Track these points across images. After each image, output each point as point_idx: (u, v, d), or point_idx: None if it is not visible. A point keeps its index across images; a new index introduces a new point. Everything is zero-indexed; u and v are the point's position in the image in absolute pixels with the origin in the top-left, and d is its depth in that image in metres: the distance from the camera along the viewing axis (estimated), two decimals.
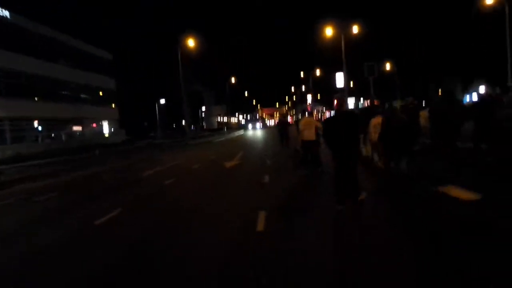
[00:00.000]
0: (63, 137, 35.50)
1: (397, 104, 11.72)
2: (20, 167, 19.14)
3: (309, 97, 65.26)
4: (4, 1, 28.20)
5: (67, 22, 43.20)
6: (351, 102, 42.77)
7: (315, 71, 55.04)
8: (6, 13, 28.25)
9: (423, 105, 23.80)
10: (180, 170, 14.64)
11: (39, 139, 32.19)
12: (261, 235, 5.36)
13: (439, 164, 8.86)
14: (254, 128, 71.34)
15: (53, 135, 34.38)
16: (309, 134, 10.46)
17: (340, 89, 35.58)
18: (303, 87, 72.50)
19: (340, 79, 35.78)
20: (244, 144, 28.74)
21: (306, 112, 14.45)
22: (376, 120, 9.04)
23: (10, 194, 12.08)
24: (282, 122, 21.89)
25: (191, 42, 34.69)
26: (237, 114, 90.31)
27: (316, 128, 10.46)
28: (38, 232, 6.91)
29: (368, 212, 6.24)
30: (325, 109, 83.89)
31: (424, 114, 10.70)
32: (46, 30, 33.31)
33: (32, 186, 13.65)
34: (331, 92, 54.08)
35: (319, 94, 75.85)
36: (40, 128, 32.72)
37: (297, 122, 21.71)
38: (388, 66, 44.48)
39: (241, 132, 60.77)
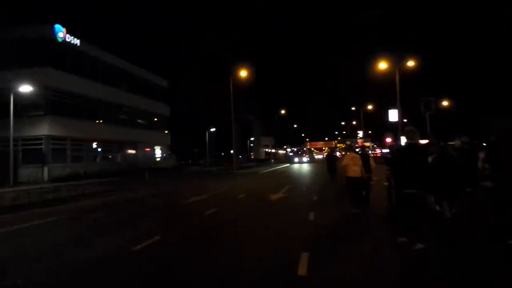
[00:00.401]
0: (119, 159, 37.01)
1: (455, 143, 10.80)
2: (76, 185, 19.95)
3: (360, 133, 63.62)
4: (75, 30, 30.64)
5: (128, 49, 46.21)
6: (403, 140, 41.05)
7: (366, 106, 53.83)
8: (76, 41, 30.65)
9: (482, 146, 22.00)
10: (224, 199, 14.43)
11: (98, 159, 33.77)
12: (303, 281, 4.83)
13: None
14: (300, 161, 66.50)
15: (110, 156, 35.95)
16: (355, 170, 10.02)
17: (393, 123, 34.23)
18: (354, 122, 71.10)
19: (393, 115, 34.46)
20: (291, 177, 28.17)
21: (351, 148, 13.67)
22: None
23: (63, 210, 12.47)
24: (330, 157, 21.53)
25: (243, 73, 35.41)
26: (284, 146, 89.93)
27: (362, 165, 10.14)
28: (75, 251, 6.85)
29: (429, 264, 5.50)
30: (376, 146, 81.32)
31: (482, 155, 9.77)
32: (110, 57, 35.65)
33: (83, 204, 14.07)
34: (383, 127, 52.40)
35: (369, 131, 73.92)
36: (99, 149, 34.40)
37: (331, 157, 21.48)
38: (445, 103, 42.42)
39: (286, 164, 58.36)
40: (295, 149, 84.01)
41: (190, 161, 50.88)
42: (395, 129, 42.66)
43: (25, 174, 26.45)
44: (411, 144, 6.11)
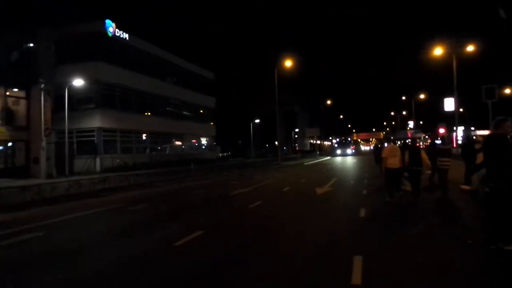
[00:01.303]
0: (167, 151, 37.81)
1: None
2: (125, 175, 20.43)
3: (410, 123, 60.56)
4: (123, 25, 31.31)
5: (175, 42, 46.68)
6: (460, 131, 38.13)
7: (418, 95, 50.97)
8: (125, 35, 31.39)
9: None
10: (268, 192, 14.01)
11: (147, 151, 34.66)
12: None
13: None
14: (344, 153, 58.11)
15: (159, 148, 36.79)
16: (394, 162, 10.45)
17: (451, 113, 32.08)
18: (404, 112, 67.79)
19: (449, 104, 32.19)
20: (337, 169, 27.18)
21: (390, 140, 13.43)
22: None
23: (108, 201, 12.65)
24: (378, 148, 20.46)
25: (288, 63, 34.62)
26: (330, 137, 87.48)
27: (401, 156, 10.52)
28: (117, 245, 6.71)
29: None
30: (428, 137, 77.39)
31: None
32: (157, 50, 36.22)
33: (129, 195, 14.25)
34: (435, 118, 49.42)
35: (421, 121, 70.26)
36: (147, 141, 35.29)
37: (379, 148, 20.12)
38: (507, 91, 39.04)
39: (328, 157, 53.07)
40: (339, 139, 75.05)
41: (234, 153, 51.06)
42: (450, 119, 39.95)
43: (79, 165, 27.58)
44: (501, 135, 5.24)
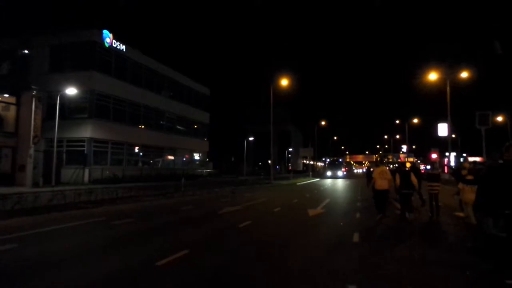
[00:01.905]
0: (160, 164, 37.32)
1: None
2: (113, 188, 19.88)
3: (404, 147, 60.73)
4: (120, 36, 31.29)
5: (172, 56, 46.75)
6: (452, 155, 38.11)
7: (412, 119, 51.27)
8: (122, 47, 31.27)
9: None
10: (259, 211, 13.59)
11: (139, 164, 34.10)
12: None
13: None
14: (335, 175, 51.44)
15: (151, 161, 36.25)
16: (382, 184, 10.96)
17: (444, 138, 32.08)
18: (397, 135, 68.12)
19: (443, 129, 32.25)
20: (331, 190, 26.82)
21: (381, 162, 13.68)
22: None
23: (92, 214, 12.13)
24: (370, 171, 20.19)
25: (284, 82, 34.68)
26: (323, 158, 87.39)
27: (390, 179, 11.05)
28: (93, 262, 6.23)
29: None
30: (419, 161, 77.61)
31: None
32: (153, 63, 36.14)
33: (115, 208, 13.74)
34: (428, 143, 49.63)
35: (413, 145, 70.56)
36: (140, 153, 34.77)
37: (370, 172, 19.87)
38: (499, 118, 39.34)
39: (317, 179, 47.50)
40: (330, 160, 65.89)
41: (227, 169, 50.55)
42: (443, 144, 40.02)
43: (67, 175, 26.99)
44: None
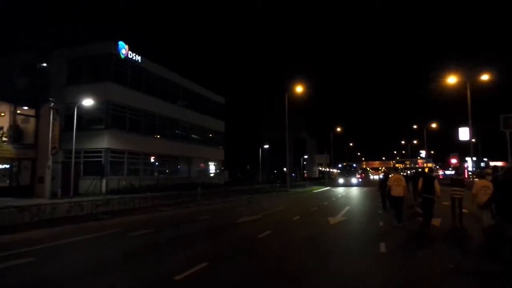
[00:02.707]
0: (178, 174, 37.34)
1: None
2: (129, 198, 19.81)
3: (422, 152, 59.48)
4: (136, 47, 31.53)
5: (186, 65, 47.09)
6: (470, 161, 37.01)
7: (430, 124, 50.21)
8: (138, 58, 31.53)
9: None
10: (278, 220, 13.23)
11: (155, 174, 34.14)
12: None
13: None
14: (348, 182, 45.85)
15: (167, 171, 36.28)
16: (398, 191, 11.40)
17: (464, 142, 31.22)
18: (415, 141, 66.81)
19: (464, 133, 31.35)
20: (349, 197, 26.22)
21: (396, 170, 13.57)
22: (481, 183, 8.58)
23: (109, 225, 11.99)
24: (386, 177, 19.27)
25: (299, 89, 34.41)
26: (339, 165, 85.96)
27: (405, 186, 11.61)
28: (109, 275, 6.00)
29: None
30: (438, 167, 76.03)
31: None
32: (168, 73, 36.27)
33: (131, 219, 13.59)
34: (446, 148, 48.47)
35: (432, 151, 69.04)
36: (156, 163, 34.83)
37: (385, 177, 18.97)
38: None
39: (327, 187, 42.49)
40: (342, 165, 58.65)
41: (242, 178, 50.33)
42: (464, 149, 38.92)
43: (85, 185, 27.11)
44: None
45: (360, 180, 52.25)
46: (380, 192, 16.25)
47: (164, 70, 35.77)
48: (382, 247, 7.98)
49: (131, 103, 30.83)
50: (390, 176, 12.64)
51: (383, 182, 16.24)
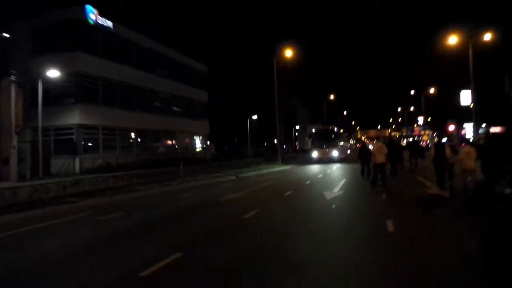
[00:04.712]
0: (160, 149, 36.35)
1: None
2: (102, 177, 18.85)
3: (420, 119, 59.13)
4: (108, 12, 29.61)
5: (164, 32, 44.56)
6: (468, 128, 36.49)
7: (428, 89, 49.50)
8: (109, 23, 29.67)
9: None
10: (267, 197, 12.47)
11: (134, 150, 33.03)
12: None
13: None
14: (325, 158, 31.90)
15: (147, 147, 35.17)
16: (380, 158, 13.19)
17: (466, 108, 30.65)
18: (412, 107, 66.38)
19: (466, 97, 30.66)
20: (346, 168, 25.49)
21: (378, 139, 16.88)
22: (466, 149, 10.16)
23: (76, 209, 11.08)
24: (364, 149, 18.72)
25: (288, 53, 33.10)
26: (312, 130, 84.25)
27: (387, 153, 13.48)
28: (64, 270, 5.10)
29: None
30: (435, 134, 76.14)
31: None
32: (144, 40, 34.41)
33: (102, 201, 12.70)
34: (447, 114, 48.06)
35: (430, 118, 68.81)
36: (132, 139, 33.65)
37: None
38: None
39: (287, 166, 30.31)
40: (314, 130, 39.97)
41: (230, 151, 49.48)
42: (463, 115, 38.42)
43: (57, 166, 25.97)
44: None
45: (348, 152, 40.25)
46: (360, 160, 17.65)
47: (140, 36, 33.95)
48: (390, 226, 7.18)
49: (104, 74, 29.24)
50: (372, 144, 14.43)
51: (362, 150, 18.13)
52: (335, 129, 37.66)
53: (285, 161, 36.04)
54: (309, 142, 39.83)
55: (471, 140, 23.67)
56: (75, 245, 6.88)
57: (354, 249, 5.96)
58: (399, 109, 75.30)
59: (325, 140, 33.79)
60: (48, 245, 6.99)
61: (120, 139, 31.74)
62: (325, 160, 31.72)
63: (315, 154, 33.08)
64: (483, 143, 11.35)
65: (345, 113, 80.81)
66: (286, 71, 41.03)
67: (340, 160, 32.22)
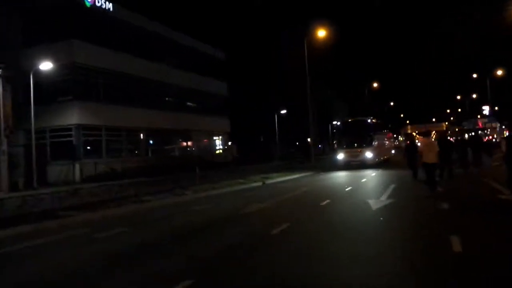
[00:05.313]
0: (173, 152, 36.60)
1: None
2: (105, 187, 18.92)
3: (485, 108, 57.01)
4: None
5: (173, 13, 44.37)
6: None
7: (495, 71, 47.71)
8: (109, 5, 29.87)
9: None
10: (300, 208, 12.08)
11: (143, 154, 33.25)
12: None
13: None
14: (355, 160, 28.91)
15: (159, 149, 35.37)
16: (431, 157, 13.07)
17: None
18: (474, 95, 64.23)
19: None
20: (393, 171, 24.61)
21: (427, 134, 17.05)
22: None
23: (72, 224, 10.99)
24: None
25: (321, 33, 32.51)
26: (338, 123, 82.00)
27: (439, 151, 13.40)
28: None
29: None
30: (505, 127, 73.70)
31: None
32: (150, 24, 34.45)
33: (103, 214, 12.57)
34: None
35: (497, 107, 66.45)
36: (141, 140, 33.85)
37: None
38: None
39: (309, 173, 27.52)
40: (342, 123, 37.09)
41: (255, 153, 49.19)
42: None
43: (55, 173, 26.39)
44: None
45: (382, 153, 33.26)
46: (407, 159, 18.25)
47: (145, 20, 34.10)
48: (456, 245, 6.57)
49: (105, 65, 29.51)
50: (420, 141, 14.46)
51: (410, 149, 18.59)
52: (369, 120, 32.01)
53: (321, 162, 35.47)
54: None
55: None
56: (62, 271, 6.65)
57: (410, 280, 5.43)
58: (459, 97, 72.90)
59: (356, 137, 29.83)
60: (39, 267, 6.89)
61: (126, 141, 32.02)
62: (356, 163, 28.44)
63: (341, 156, 29.94)
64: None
65: (392, 104, 79.04)
66: (320, 57, 40.49)
67: (377, 164, 29.06)
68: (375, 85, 54.75)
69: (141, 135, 33.64)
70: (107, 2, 29.74)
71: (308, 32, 34.67)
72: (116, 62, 30.28)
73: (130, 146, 32.58)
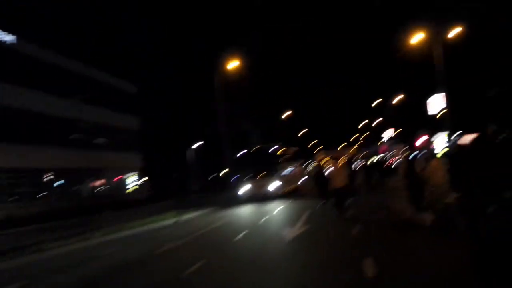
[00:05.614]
0: (85, 192, 34.60)
1: None
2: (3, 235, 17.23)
3: (386, 133, 60.84)
4: (8, 25, 28.05)
5: (81, 48, 42.99)
6: (441, 137, 37.39)
7: (393, 98, 51.53)
8: (11, 37, 27.97)
9: None
10: (215, 243, 11.74)
11: (49, 196, 31.02)
12: None
13: None
14: (260, 192, 26.55)
15: (66, 190, 33.25)
16: (339, 181, 13.59)
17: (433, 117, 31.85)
18: (378, 119, 68.50)
19: (436, 103, 31.68)
20: (302, 200, 24.97)
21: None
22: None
23: None
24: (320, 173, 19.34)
25: (234, 63, 32.97)
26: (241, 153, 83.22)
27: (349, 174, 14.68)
28: None
29: None
30: (406, 149, 78.41)
31: None
32: (56, 58, 32.94)
33: None
34: (417, 123, 49.98)
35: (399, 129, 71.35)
36: (45, 182, 31.69)
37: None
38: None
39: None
40: (244, 152, 33.14)
41: (168, 189, 48.22)
42: (436, 124, 39.75)
43: None
44: None
45: (290, 181, 29.60)
46: (317, 186, 18.51)
47: (51, 54, 32.43)
48: (369, 268, 6.58)
49: (4, 101, 27.38)
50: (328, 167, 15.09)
51: (319, 175, 18.96)
52: (273, 148, 29.99)
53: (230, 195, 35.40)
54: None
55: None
56: None
57: None
58: (365, 122, 77.02)
59: (259, 167, 27.81)
60: None
61: (28, 183, 29.74)
62: (261, 195, 25.93)
63: (244, 189, 27.51)
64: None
65: (304, 131, 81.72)
66: (233, 88, 40.94)
67: (286, 194, 26.66)
68: (289, 112, 56.83)
69: (45, 176, 31.46)
70: (9, 34, 28.01)
71: (218, 64, 34.96)
72: (18, 98, 28.28)
73: (32, 189, 30.25)
